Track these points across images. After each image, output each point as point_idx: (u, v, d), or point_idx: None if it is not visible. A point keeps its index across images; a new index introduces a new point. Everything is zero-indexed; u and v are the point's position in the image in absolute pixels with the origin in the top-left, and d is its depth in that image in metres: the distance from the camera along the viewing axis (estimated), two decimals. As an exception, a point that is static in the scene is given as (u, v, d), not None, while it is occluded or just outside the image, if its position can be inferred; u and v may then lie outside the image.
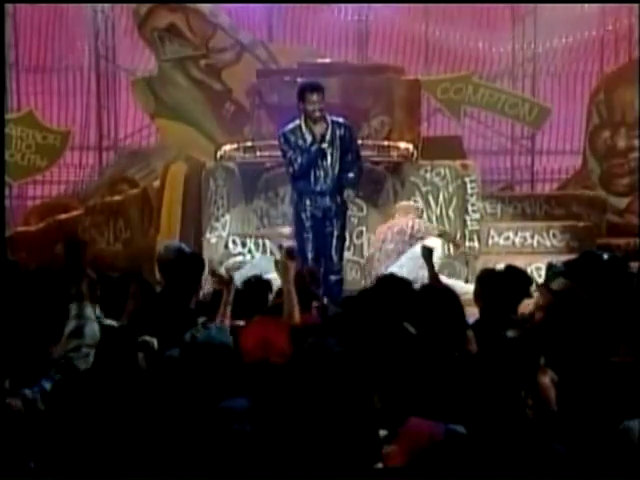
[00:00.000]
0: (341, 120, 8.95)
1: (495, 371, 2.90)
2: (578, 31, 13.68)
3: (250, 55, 13.23)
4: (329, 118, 8.86)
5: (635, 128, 12.56)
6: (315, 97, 8.75)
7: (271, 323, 5.41)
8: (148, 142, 14.08)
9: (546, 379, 3.80)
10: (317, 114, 8.77)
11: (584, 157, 13.14)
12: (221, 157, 11.13)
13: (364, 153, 10.64)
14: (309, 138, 8.81)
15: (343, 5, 14.16)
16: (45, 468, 3.39)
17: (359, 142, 10.66)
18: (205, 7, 13.28)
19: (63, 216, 12.02)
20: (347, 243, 10.48)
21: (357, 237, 10.51)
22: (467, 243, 10.66)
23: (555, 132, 13.89)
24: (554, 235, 11.22)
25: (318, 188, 8.89)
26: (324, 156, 8.82)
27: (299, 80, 11.20)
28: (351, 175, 8.89)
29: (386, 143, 10.93)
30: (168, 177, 11.33)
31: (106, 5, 13.77)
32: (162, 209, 11.18)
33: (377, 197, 10.51)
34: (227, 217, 10.78)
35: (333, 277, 8.83)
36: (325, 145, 8.82)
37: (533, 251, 10.78)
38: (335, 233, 8.94)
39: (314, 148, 8.80)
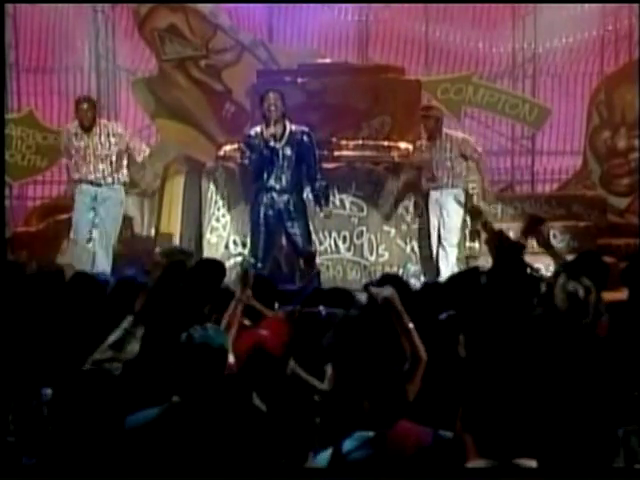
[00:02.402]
0: (303, 127, 9.39)
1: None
2: (578, 31, 13.64)
3: (250, 55, 13.20)
4: (288, 123, 9.28)
5: (635, 128, 12.53)
6: (272, 97, 9.23)
7: (265, 331, 5.36)
8: (148, 142, 14.03)
9: None
10: (273, 114, 9.18)
11: (584, 157, 13.11)
12: (221, 157, 11.11)
13: (364, 153, 10.67)
14: (267, 138, 9.22)
15: (344, 5, 14.12)
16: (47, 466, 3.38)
17: (360, 142, 10.72)
18: (205, 7, 13.25)
19: (63, 216, 11.98)
20: (347, 243, 10.50)
21: (357, 237, 10.48)
22: (467, 243, 10.63)
23: (555, 132, 13.85)
24: (554, 235, 11.19)
25: (271, 185, 9.02)
26: (278, 155, 9.06)
27: (300, 80, 11.22)
28: (318, 185, 9.16)
29: (386, 143, 10.94)
30: (168, 177, 11.31)
31: (106, 5, 13.74)
32: (162, 209, 11.16)
33: (377, 197, 10.50)
34: (227, 217, 10.77)
35: (306, 273, 9.00)
36: (280, 145, 9.06)
37: (533, 251, 10.72)
38: (298, 232, 9.13)
39: (269, 146, 9.18)
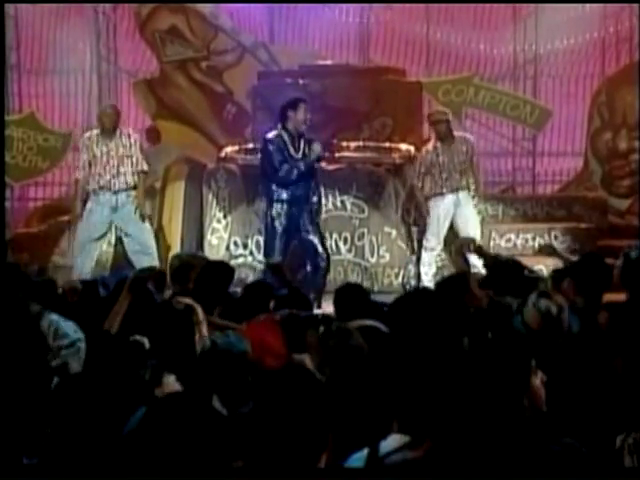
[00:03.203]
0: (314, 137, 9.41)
1: (492, 372, 2.85)
2: (579, 33, 13.63)
3: (251, 57, 13.20)
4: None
5: (636, 130, 12.50)
6: (304, 109, 9.23)
7: (269, 326, 5.35)
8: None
9: (537, 380, 3.77)
10: (304, 129, 9.25)
11: (585, 159, 13.09)
12: (222, 159, 11.10)
13: (365, 155, 10.65)
14: (292, 148, 9.24)
15: (344, 7, 14.11)
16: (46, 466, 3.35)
17: (361, 143, 10.70)
18: (206, 9, 13.24)
19: (64, 218, 11.95)
20: (348, 245, 10.47)
21: (358, 239, 10.46)
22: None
23: (556, 134, 13.84)
24: (555, 237, 11.18)
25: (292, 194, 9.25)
26: (301, 167, 9.22)
27: (301, 82, 11.19)
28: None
29: (387, 145, 10.93)
30: (169, 179, 11.28)
31: (107, 7, 13.74)
32: (163, 210, 11.14)
33: (378, 199, 10.48)
34: (228, 219, 10.75)
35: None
36: (302, 156, 9.24)
37: (534, 253, 10.71)
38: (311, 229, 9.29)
39: (294, 156, 9.24)
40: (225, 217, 10.78)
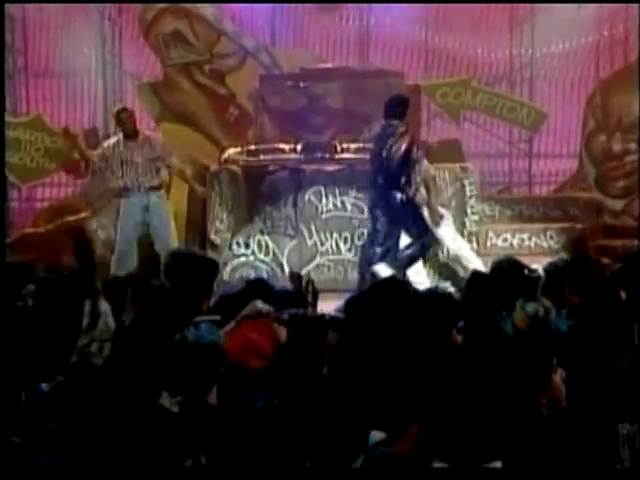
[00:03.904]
0: None
1: (514, 370, 2.83)
2: (574, 37, 13.65)
3: (253, 60, 13.22)
4: None
5: (630, 132, 12.52)
6: None
7: (257, 326, 5.35)
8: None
9: (557, 377, 3.80)
10: None
11: (580, 160, 13.12)
12: (225, 160, 11.12)
13: (365, 156, 10.64)
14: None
15: (344, 11, 14.13)
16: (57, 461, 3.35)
17: (360, 145, 10.71)
18: (209, 13, 13.27)
19: (71, 218, 11.99)
20: (348, 244, 10.51)
21: (358, 238, 10.48)
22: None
23: (552, 136, 13.86)
24: (551, 237, 11.21)
25: None
26: None
27: (302, 85, 11.22)
28: None
29: (387, 146, 10.88)
30: (173, 180, 11.30)
31: (113, 12, 13.75)
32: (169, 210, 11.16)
33: (378, 199, 10.46)
34: (231, 219, 10.76)
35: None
36: None
37: (530, 252, 10.74)
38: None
39: None
40: (228, 217, 10.80)
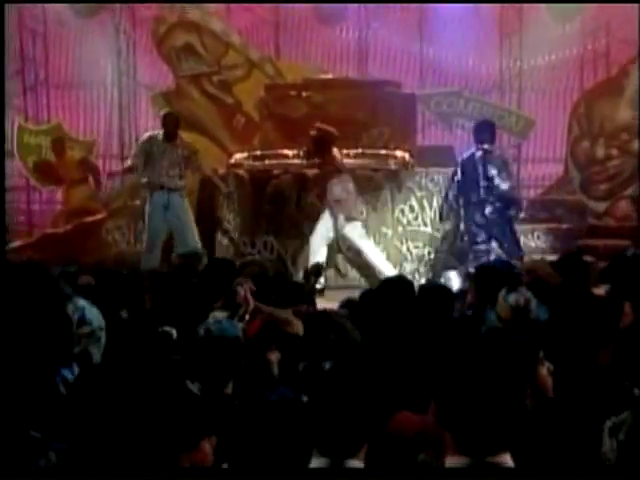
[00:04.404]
0: None
1: (499, 364, 2.77)
2: (560, 50, 13.67)
3: (259, 71, 13.25)
4: None
5: (612, 138, 12.54)
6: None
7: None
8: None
9: (544, 370, 3.79)
10: None
11: (566, 165, 13.13)
12: (232, 165, 11.14)
13: (364, 161, 10.67)
14: None
15: (344, 25, 14.17)
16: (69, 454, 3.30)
17: (360, 151, 10.73)
18: (217, 27, 13.31)
19: (88, 219, 12.05)
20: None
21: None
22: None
23: (539, 142, 13.89)
24: (538, 237, 11.24)
25: None
26: None
27: (304, 94, 11.24)
28: None
29: (384, 152, 10.91)
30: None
31: (127, 26, 13.78)
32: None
33: (376, 201, 10.50)
34: (238, 220, 10.78)
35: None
36: None
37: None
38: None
39: None
40: (235, 218, 10.82)
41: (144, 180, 10.20)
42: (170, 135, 10.15)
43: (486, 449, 2.60)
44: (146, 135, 10.56)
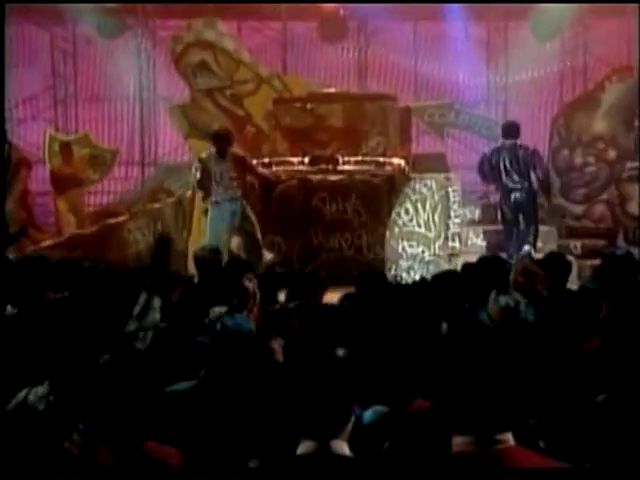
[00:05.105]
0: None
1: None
2: (542, 67, 13.75)
3: (268, 86, 13.28)
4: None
5: (589, 147, 12.59)
6: None
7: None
8: (182, 159, 14.18)
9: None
10: None
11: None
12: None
13: (364, 168, 10.71)
14: None
15: (346, 44, 14.22)
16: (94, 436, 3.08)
17: (359, 158, 10.76)
18: (230, 46, 13.36)
19: (112, 221, 12.08)
20: (349, 244, 10.54)
21: (358, 238, 10.54)
22: (450, 243, 10.68)
23: (523, 151, 13.91)
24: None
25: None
26: None
27: (309, 106, 11.28)
28: None
29: (382, 159, 10.93)
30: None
31: (148, 45, 13.84)
32: (193, 215, 11.22)
33: (374, 205, 10.53)
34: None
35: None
36: None
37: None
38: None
39: None
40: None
41: (208, 194, 9.99)
42: (222, 151, 9.74)
43: (489, 428, 2.52)
44: (198, 159, 10.32)
